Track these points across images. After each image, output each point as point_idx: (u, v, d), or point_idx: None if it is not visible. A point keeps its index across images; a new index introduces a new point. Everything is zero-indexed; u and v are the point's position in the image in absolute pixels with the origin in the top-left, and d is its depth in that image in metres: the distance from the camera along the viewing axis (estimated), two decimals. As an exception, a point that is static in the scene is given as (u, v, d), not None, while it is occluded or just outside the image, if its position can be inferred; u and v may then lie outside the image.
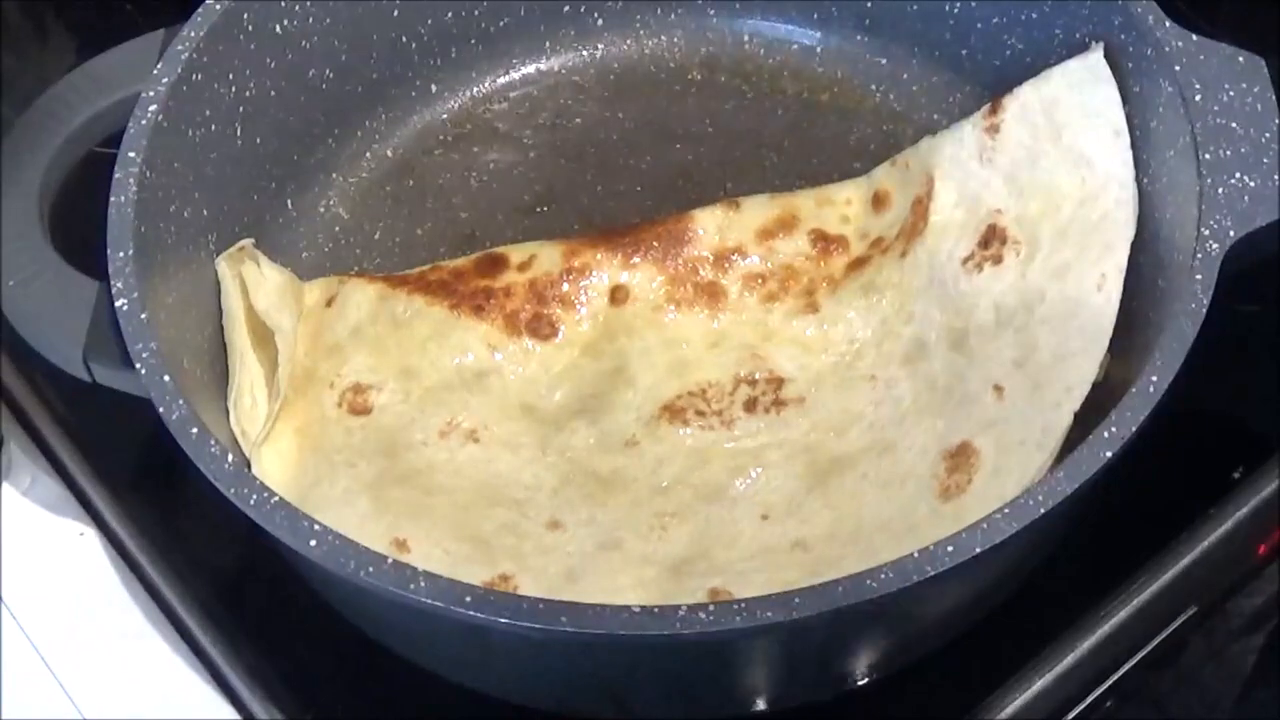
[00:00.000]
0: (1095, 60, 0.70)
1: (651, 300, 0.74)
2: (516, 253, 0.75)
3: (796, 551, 0.66)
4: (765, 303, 0.74)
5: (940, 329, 0.70)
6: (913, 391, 0.70)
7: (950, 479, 0.66)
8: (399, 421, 0.70)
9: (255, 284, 0.71)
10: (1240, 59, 0.68)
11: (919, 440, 0.68)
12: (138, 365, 0.62)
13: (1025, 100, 0.72)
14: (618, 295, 0.74)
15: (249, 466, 0.66)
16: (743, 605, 0.55)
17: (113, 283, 0.64)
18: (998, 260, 0.70)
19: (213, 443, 0.60)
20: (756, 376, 0.72)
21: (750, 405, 0.71)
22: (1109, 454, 0.58)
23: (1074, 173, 0.70)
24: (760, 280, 0.74)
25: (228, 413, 0.68)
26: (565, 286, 0.74)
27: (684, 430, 0.70)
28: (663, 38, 0.86)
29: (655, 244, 0.75)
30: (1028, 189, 0.71)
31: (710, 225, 0.75)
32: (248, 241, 0.73)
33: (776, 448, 0.70)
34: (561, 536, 0.67)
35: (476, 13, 0.83)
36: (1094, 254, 0.67)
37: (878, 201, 0.75)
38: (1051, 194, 0.70)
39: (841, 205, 0.76)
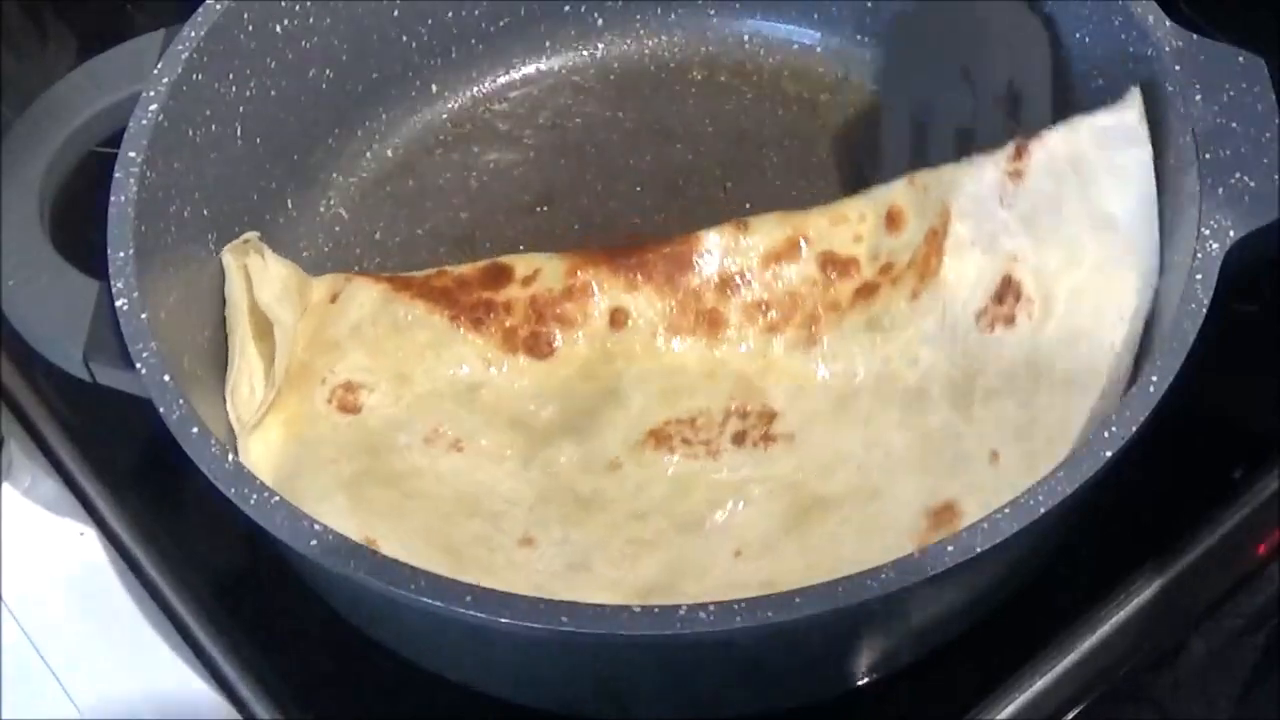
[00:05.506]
0: (1130, 119, 0.67)
1: (650, 325, 0.73)
2: (522, 264, 0.74)
3: (765, 590, 0.65)
4: (766, 333, 0.73)
5: (944, 383, 0.69)
6: (905, 441, 0.68)
7: (929, 535, 0.64)
8: (386, 424, 0.70)
9: (259, 276, 0.71)
10: (1240, 59, 0.68)
11: (905, 492, 0.66)
12: (138, 365, 0.62)
13: (1053, 149, 0.69)
14: (617, 318, 0.73)
15: (242, 452, 0.66)
16: (743, 605, 0.55)
17: (113, 282, 0.64)
18: (1010, 321, 0.68)
19: (213, 442, 0.60)
20: (749, 409, 0.71)
21: (739, 438, 0.70)
22: (1109, 454, 0.58)
23: (1096, 233, 0.67)
24: (763, 309, 0.73)
25: (226, 401, 0.68)
26: (566, 305, 0.73)
27: (669, 457, 0.69)
28: (663, 38, 0.87)
29: (659, 266, 0.73)
30: (1048, 240, 0.68)
31: (716, 248, 0.74)
32: (253, 234, 0.73)
33: (759, 483, 0.68)
34: (532, 554, 0.66)
35: (476, 13, 0.83)
36: (1108, 322, 0.65)
37: (891, 220, 0.73)
38: (1072, 250, 0.67)
39: (855, 222, 0.74)
